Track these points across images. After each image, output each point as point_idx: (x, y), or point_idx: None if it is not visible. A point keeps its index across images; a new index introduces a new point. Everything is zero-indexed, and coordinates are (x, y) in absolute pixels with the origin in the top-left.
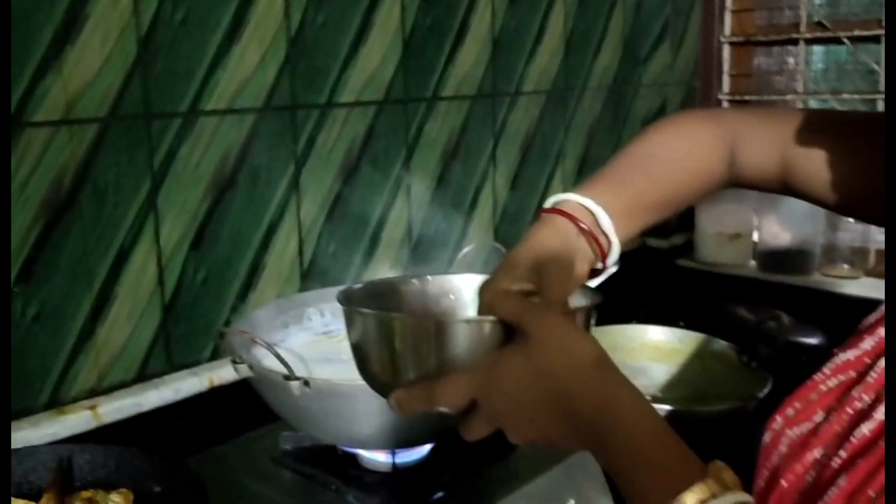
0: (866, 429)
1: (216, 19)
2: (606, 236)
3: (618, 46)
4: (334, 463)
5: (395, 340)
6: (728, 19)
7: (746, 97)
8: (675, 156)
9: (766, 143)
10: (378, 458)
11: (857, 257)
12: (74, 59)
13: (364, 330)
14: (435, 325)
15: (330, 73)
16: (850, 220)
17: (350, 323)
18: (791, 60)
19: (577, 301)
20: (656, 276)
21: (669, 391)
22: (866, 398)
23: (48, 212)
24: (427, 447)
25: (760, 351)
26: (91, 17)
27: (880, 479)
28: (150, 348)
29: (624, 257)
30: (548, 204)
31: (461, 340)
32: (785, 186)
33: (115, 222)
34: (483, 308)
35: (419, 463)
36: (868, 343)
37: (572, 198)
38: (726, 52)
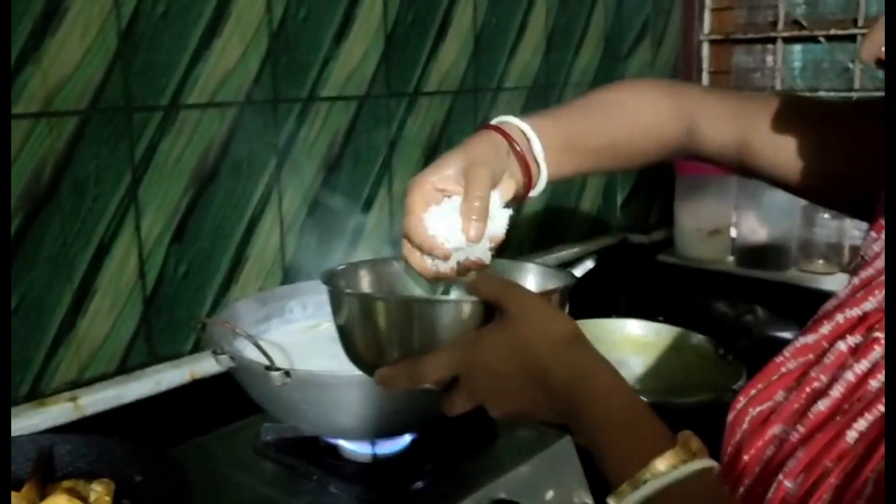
0: (822, 405)
1: (197, 12)
2: (538, 164)
3: (599, 43)
4: (315, 453)
5: (379, 321)
6: (708, 17)
7: None
8: (624, 109)
9: (726, 121)
10: (359, 448)
11: (832, 253)
12: (54, 51)
13: (349, 311)
14: (418, 305)
15: (312, 67)
16: (826, 216)
17: (335, 304)
18: (770, 58)
19: (552, 283)
20: (636, 271)
21: (648, 383)
22: (823, 378)
23: (27, 204)
24: (408, 438)
25: (737, 344)
26: (71, 8)
27: (835, 451)
28: (131, 340)
29: (603, 253)
30: (492, 121)
31: (444, 320)
32: (742, 166)
33: (96, 215)
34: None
35: (400, 453)
36: (826, 328)
37: (514, 121)
38: (706, 49)
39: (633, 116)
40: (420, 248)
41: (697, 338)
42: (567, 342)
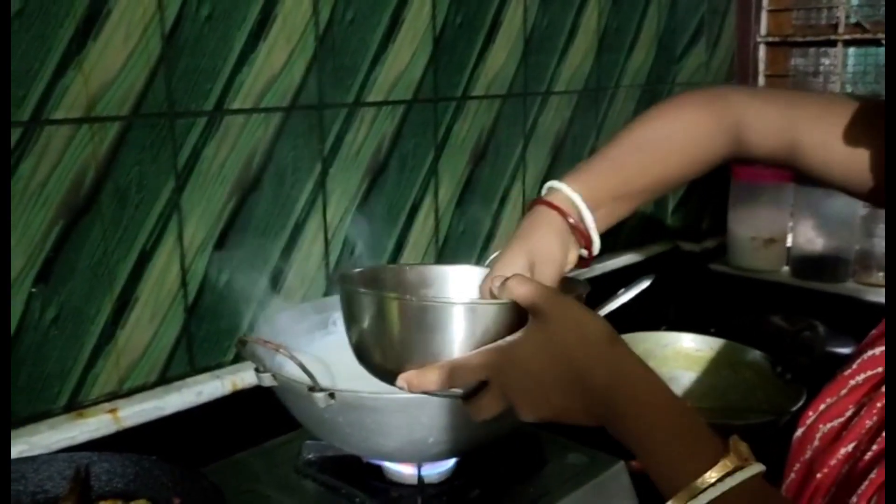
0: None
1: (242, 15)
2: (589, 230)
3: (652, 45)
4: (359, 474)
5: (405, 323)
6: (765, 18)
7: None
8: (669, 141)
9: (774, 122)
10: (403, 470)
11: None
12: (96, 55)
13: (369, 313)
14: (450, 307)
15: (358, 71)
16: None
17: (352, 306)
18: (827, 62)
19: (570, 289)
20: (687, 279)
21: (701, 401)
22: None
23: (68, 211)
24: (452, 461)
25: (796, 362)
26: (114, 11)
27: None
28: (172, 351)
29: (652, 260)
30: (543, 193)
31: (477, 322)
32: (792, 165)
33: (138, 222)
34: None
35: (445, 477)
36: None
37: (563, 190)
38: (762, 52)
39: (681, 146)
40: None
41: (753, 354)
42: (605, 344)
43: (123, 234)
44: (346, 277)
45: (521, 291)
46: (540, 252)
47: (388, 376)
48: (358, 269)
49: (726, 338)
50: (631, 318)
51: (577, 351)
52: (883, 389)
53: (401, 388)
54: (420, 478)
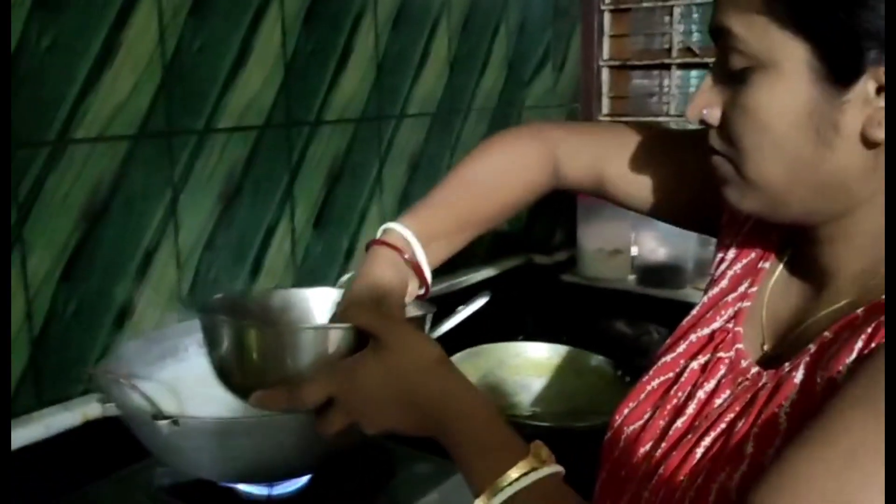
0: (680, 423)
1: (85, 45)
2: (421, 265)
3: (502, 69)
4: (212, 497)
5: (259, 348)
6: (606, 44)
7: (624, 118)
8: (498, 175)
9: (583, 157)
10: (256, 490)
11: None
12: None
13: (228, 339)
14: (296, 333)
15: (208, 98)
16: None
17: (211, 333)
18: (666, 83)
19: (413, 311)
20: (541, 291)
21: (549, 406)
22: (681, 395)
23: None
24: (305, 478)
25: (635, 364)
26: None
27: (688, 466)
28: (18, 384)
29: (508, 274)
30: (378, 235)
31: (321, 346)
32: (602, 195)
33: None
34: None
35: (298, 493)
36: (682, 347)
37: (397, 229)
38: (605, 75)
39: (506, 182)
40: None
41: (597, 359)
42: (433, 365)
43: None
44: (205, 305)
45: (360, 318)
46: (381, 287)
47: (243, 396)
48: (219, 297)
49: (577, 345)
50: (491, 330)
51: (409, 371)
52: (671, 392)
53: (254, 407)
54: (270, 497)
